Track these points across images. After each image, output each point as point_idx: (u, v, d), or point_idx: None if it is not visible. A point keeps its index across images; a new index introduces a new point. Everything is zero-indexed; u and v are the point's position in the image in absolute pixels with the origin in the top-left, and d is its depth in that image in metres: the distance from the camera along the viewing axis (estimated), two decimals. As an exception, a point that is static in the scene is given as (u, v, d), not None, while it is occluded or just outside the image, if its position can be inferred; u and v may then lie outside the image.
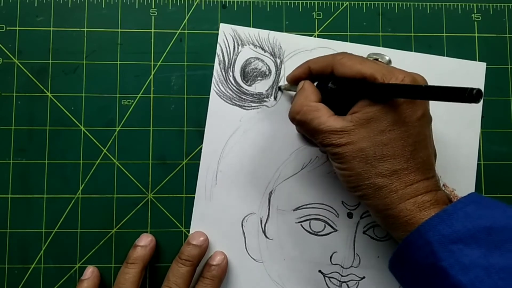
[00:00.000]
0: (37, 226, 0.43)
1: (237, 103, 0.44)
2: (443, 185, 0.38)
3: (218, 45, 0.44)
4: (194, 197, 0.43)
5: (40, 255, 0.42)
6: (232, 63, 0.44)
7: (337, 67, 0.36)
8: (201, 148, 0.44)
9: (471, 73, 0.45)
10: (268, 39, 0.45)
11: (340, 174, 0.36)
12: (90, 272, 0.41)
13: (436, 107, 0.45)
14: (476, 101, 0.27)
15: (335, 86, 0.37)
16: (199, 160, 0.43)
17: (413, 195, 0.33)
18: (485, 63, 0.45)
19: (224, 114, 0.44)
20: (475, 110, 0.45)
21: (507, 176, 0.45)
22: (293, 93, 0.41)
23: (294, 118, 0.37)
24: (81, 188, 0.43)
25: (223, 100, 0.44)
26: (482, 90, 0.45)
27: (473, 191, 0.44)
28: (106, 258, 0.43)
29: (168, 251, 0.43)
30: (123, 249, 0.42)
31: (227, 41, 0.45)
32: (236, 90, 0.44)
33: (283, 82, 0.44)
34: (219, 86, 0.44)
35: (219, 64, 0.44)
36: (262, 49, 0.45)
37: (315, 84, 0.39)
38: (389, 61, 0.38)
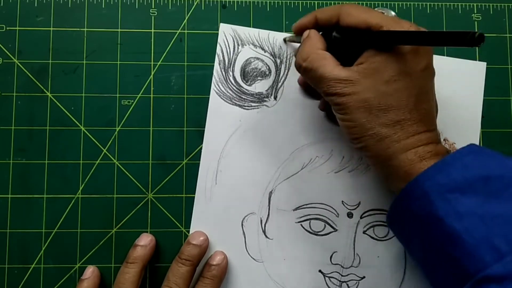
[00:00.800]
0: (37, 226, 0.43)
1: (237, 103, 0.44)
2: (444, 139, 0.38)
3: (218, 45, 0.44)
4: (194, 197, 0.43)
5: (40, 255, 0.42)
6: (232, 63, 0.44)
7: (343, 17, 0.36)
8: (201, 148, 0.44)
9: (471, 72, 0.45)
10: (268, 39, 0.45)
11: (343, 125, 0.36)
12: (90, 272, 0.41)
13: (438, 109, 0.45)
14: (477, 44, 0.28)
15: (340, 35, 0.37)
16: (199, 160, 0.43)
17: (415, 145, 0.33)
18: (485, 63, 0.45)
19: (224, 114, 0.44)
20: (475, 110, 0.45)
21: (507, 176, 0.45)
22: (297, 45, 0.41)
23: (301, 65, 0.37)
24: (81, 188, 0.43)
25: (223, 100, 0.44)
26: (482, 90, 0.45)
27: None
28: (106, 258, 0.43)
29: (168, 251, 0.43)
30: (123, 249, 0.42)
31: (227, 41, 0.45)
32: (236, 90, 0.44)
33: (283, 83, 0.44)
34: (219, 86, 0.44)
35: (219, 64, 0.44)
36: (262, 49, 0.45)
37: (320, 33, 0.38)
38: (395, 16, 0.38)
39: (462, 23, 0.46)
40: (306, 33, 0.38)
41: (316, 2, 0.46)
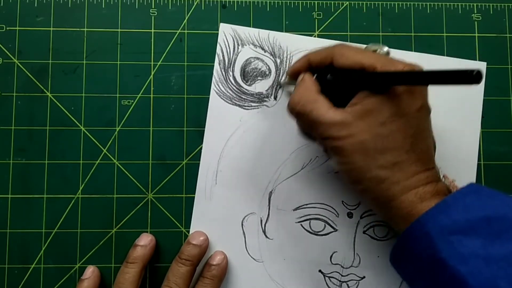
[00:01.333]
0: (37, 226, 0.43)
1: (237, 103, 0.44)
2: (443, 176, 0.38)
3: (218, 45, 0.44)
4: (194, 197, 0.43)
5: (40, 255, 0.42)
6: (232, 63, 0.44)
7: (336, 58, 0.36)
8: (201, 148, 0.44)
9: (471, 73, 0.45)
10: (268, 39, 0.45)
11: (341, 168, 0.36)
12: (91, 271, 0.41)
13: (435, 108, 0.45)
14: (477, 82, 0.27)
15: (334, 77, 0.36)
16: (199, 160, 0.43)
17: (415, 186, 0.33)
18: (485, 63, 0.45)
19: (224, 114, 0.44)
20: (475, 110, 0.45)
21: (507, 176, 0.45)
22: (293, 87, 0.41)
23: (294, 109, 0.36)
24: (81, 188, 0.43)
25: (223, 100, 0.44)
26: (482, 90, 0.45)
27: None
28: (106, 258, 0.43)
29: (168, 251, 0.43)
30: (123, 249, 0.42)
31: (227, 41, 0.45)
32: (236, 90, 0.44)
33: (283, 81, 0.44)
34: (219, 86, 0.44)
35: (219, 64, 0.44)
36: (262, 49, 0.45)
37: (314, 76, 0.38)
38: (388, 52, 0.38)
39: (462, 23, 0.46)
40: (300, 76, 0.38)
41: (316, 2, 0.46)
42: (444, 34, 0.46)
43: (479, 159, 0.44)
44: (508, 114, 0.45)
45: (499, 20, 0.46)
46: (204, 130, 0.44)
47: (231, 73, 0.44)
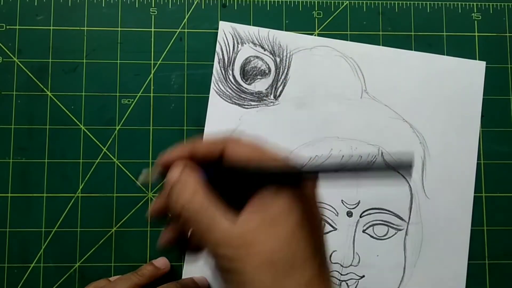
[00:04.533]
0: (37, 225, 0.43)
1: (237, 101, 0.44)
2: None
3: (217, 43, 0.44)
4: (194, 196, 0.43)
5: (40, 254, 0.42)
6: (232, 61, 0.44)
7: (229, 150, 0.28)
8: (201, 147, 0.44)
9: (471, 72, 0.45)
10: (268, 37, 0.45)
11: None
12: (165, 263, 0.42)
13: (438, 108, 0.45)
14: (407, 172, 0.23)
15: (222, 173, 0.28)
16: (199, 159, 0.43)
17: None
18: (484, 62, 0.45)
19: (223, 112, 0.44)
20: (474, 108, 0.45)
21: (507, 176, 0.45)
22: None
23: (179, 213, 0.26)
24: (81, 187, 0.43)
25: (223, 98, 0.44)
26: (482, 88, 0.45)
27: (473, 190, 0.44)
28: (106, 257, 0.43)
29: (168, 250, 0.43)
30: (123, 248, 0.42)
31: (227, 39, 0.45)
32: (236, 88, 0.44)
33: (283, 81, 0.44)
34: (218, 85, 0.44)
35: (219, 63, 0.44)
36: (262, 47, 0.45)
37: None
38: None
39: (462, 23, 0.46)
40: (174, 175, 0.27)
41: (316, 1, 0.46)
42: (444, 34, 0.46)
43: (479, 159, 0.44)
44: (508, 114, 0.45)
45: (499, 20, 0.46)
46: (204, 129, 0.44)
47: (230, 72, 0.44)
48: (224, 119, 0.44)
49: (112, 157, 0.43)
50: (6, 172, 0.43)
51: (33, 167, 0.43)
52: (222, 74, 0.44)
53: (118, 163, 0.43)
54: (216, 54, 0.44)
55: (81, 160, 0.43)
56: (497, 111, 0.45)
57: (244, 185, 0.27)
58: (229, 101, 0.44)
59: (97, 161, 0.43)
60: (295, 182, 0.27)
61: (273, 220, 0.25)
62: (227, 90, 0.44)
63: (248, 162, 0.27)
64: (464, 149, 0.44)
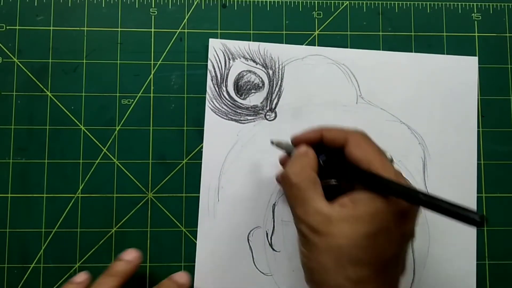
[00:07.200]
0: (37, 225, 0.43)
1: (233, 117, 0.44)
2: None
3: (209, 61, 0.44)
4: (194, 196, 0.43)
5: (40, 254, 0.42)
6: (225, 78, 0.44)
7: (351, 146, 0.33)
8: (201, 147, 0.44)
9: (463, 68, 0.45)
10: (258, 50, 0.44)
11: (305, 262, 0.32)
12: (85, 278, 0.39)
13: (434, 108, 0.45)
14: (480, 226, 0.26)
15: (328, 162, 0.34)
16: (199, 160, 0.43)
17: None
18: (476, 57, 0.45)
19: (220, 130, 0.43)
20: (470, 105, 0.45)
21: (507, 176, 0.45)
22: (283, 151, 0.39)
23: (289, 179, 0.33)
24: (81, 188, 0.43)
25: (219, 116, 0.44)
26: (476, 84, 0.45)
27: (475, 185, 0.44)
28: (105, 258, 0.43)
29: (168, 251, 0.43)
30: (123, 249, 0.42)
31: (218, 56, 0.44)
32: (231, 104, 0.44)
33: (277, 93, 0.44)
34: (213, 102, 0.44)
35: (212, 80, 0.44)
36: (254, 61, 0.44)
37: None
38: (391, 159, 0.35)
39: (462, 23, 0.46)
40: (303, 149, 0.35)
41: (316, 1, 0.46)
42: (444, 34, 0.46)
43: (479, 159, 0.44)
44: (508, 114, 0.45)
45: (499, 20, 0.46)
46: (204, 130, 0.44)
47: (224, 88, 0.44)
48: (221, 136, 0.43)
49: (112, 157, 0.43)
50: (6, 172, 0.43)
51: (33, 168, 0.43)
52: (216, 91, 0.44)
53: (118, 164, 0.43)
54: (208, 71, 0.44)
55: (81, 161, 0.43)
56: (497, 111, 0.45)
57: (344, 177, 0.33)
58: (225, 117, 0.44)
59: (97, 161, 0.43)
60: (405, 199, 0.30)
61: (355, 218, 0.30)
62: (222, 107, 0.44)
63: (369, 164, 0.31)
64: (463, 147, 0.44)
